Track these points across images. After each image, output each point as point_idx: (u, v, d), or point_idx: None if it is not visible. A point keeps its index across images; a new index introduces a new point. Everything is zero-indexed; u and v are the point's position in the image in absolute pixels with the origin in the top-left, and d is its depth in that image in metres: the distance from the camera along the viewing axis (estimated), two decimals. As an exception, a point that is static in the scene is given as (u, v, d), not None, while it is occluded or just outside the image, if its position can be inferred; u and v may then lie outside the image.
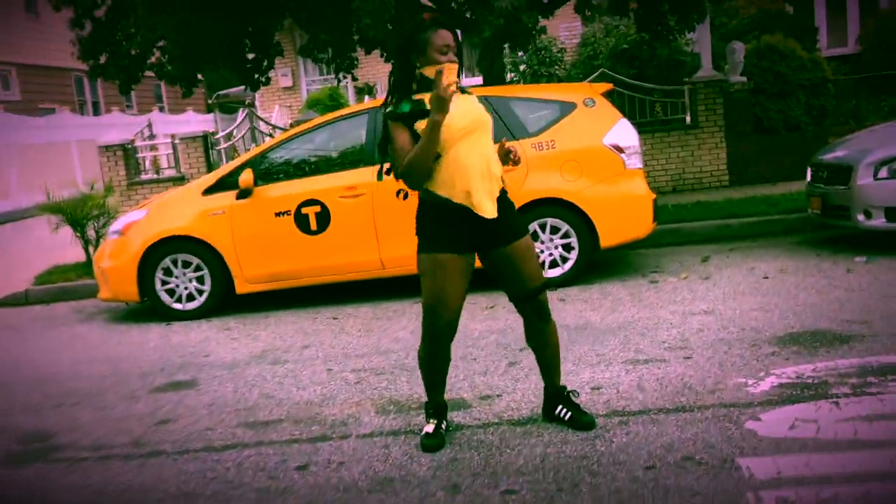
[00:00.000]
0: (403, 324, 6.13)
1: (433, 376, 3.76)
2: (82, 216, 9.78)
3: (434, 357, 3.69)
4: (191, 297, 7.20)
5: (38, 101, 23.32)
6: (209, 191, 7.22)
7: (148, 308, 7.38)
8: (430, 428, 3.74)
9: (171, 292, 7.20)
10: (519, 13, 6.79)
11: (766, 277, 6.47)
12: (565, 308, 6.13)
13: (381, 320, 6.37)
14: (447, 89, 3.30)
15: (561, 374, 3.86)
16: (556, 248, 6.93)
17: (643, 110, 11.87)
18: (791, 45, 11.71)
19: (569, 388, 3.89)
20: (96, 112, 26.23)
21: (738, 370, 4.30)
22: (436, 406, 3.79)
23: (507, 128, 6.96)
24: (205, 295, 7.19)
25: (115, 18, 8.78)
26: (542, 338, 3.77)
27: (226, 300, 7.21)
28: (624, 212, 6.95)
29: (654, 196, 7.16)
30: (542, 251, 6.91)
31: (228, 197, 7.11)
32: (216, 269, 7.13)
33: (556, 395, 3.83)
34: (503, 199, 3.62)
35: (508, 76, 16.74)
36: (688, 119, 11.79)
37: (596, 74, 12.22)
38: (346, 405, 4.40)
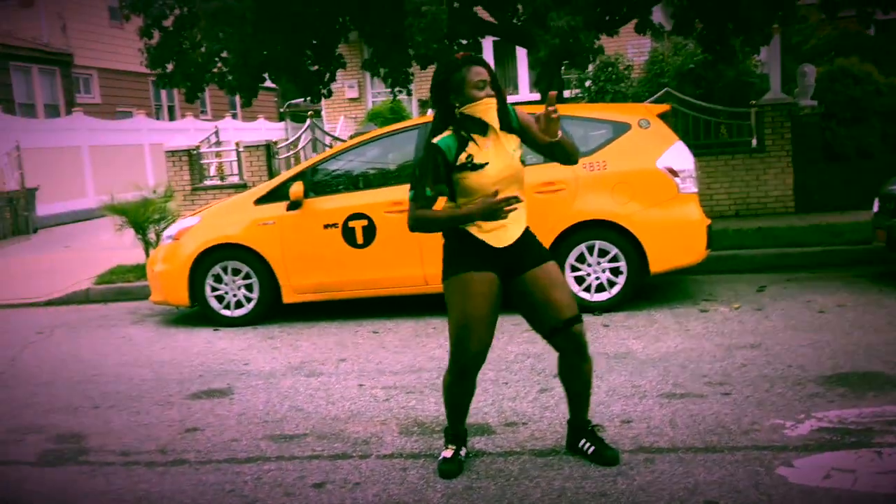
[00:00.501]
0: (441, 342, 6.09)
1: (456, 406, 3.70)
2: (144, 219, 10.05)
3: (459, 387, 3.62)
4: (239, 305, 7.30)
5: (117, 104, 24.16)
6: (261, 200, 7.32)
7: (198, 313, 7.51)
8: (447, 453, 3.68)
9: (220, 299, 7.31)
10: (576, 33, 6.70)
11: (822, 312, 6.21)
12: (608, 334, 6.00)
13: (420, 337, 6.34)
14: (499, 208, 3.32)
15: (590, 407, 3.74)
16: (603, 271, 6.78)
17: (708, 132, 11.60)
18: (867, 68, 11.30)
19: (595, 423, 3.78)
20: (171, 117, 27.01)
21: (778, 410, 4.11)
22: (455, 433, 3.73)
23: (558, 147, 6.86)
24: (253, 303, 7.27)
25: (181, 28, 9.01)
26: (578, 375, 3.63)
27: (273, 309, 7.28)
28: (675, 237, 6.77)
29: (708, 222, 6.96)
30: (588, 274, 6.78)
31: (279, 207, 7.19)
32: (264, 278, 7.21)
33: (580, 427, 3.73)
34: (525, 231, 3.57)
35: (574, 92, 16.62)
36: (754, 142, 11.47)
37: (660, 94, 12.00)
38: (371, 423, 4.38)
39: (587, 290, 6.80)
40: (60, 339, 7.28)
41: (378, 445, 4.04)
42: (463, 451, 3.72)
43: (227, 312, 7.30)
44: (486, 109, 3.42)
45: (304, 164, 7.64)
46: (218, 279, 7.29)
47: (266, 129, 25.61)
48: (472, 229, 3.48)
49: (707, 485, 3.33)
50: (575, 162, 3.70)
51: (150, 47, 9.50)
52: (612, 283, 6.79)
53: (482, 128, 3.46)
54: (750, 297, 6.93)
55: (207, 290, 7.30)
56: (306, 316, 7.32)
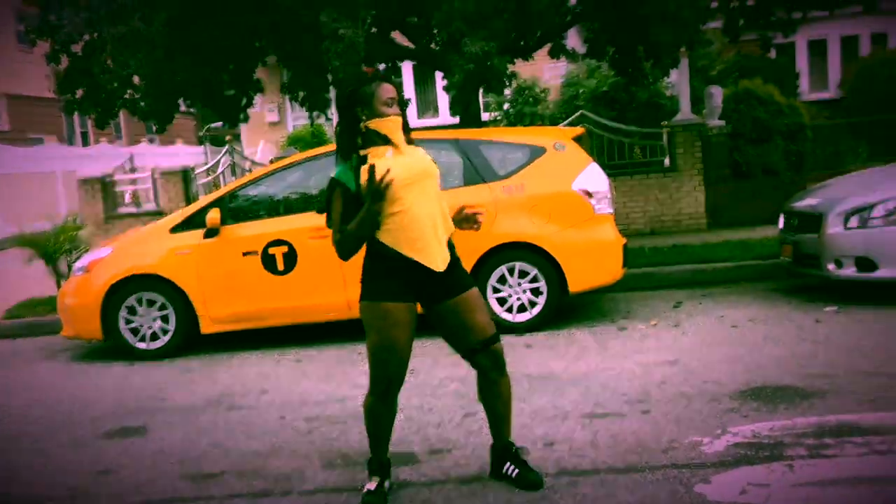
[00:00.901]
0: (365, 368, 5.92)
1: (378, 430, 3.67)
2: (54, 250, 9.68)
3: (381, 410, 3.61)
4: (155, 337, 7.08)
5: (27, 131, 23.30)
6: (177, 229, 7.15)
7: (112, 347, 7.26)
8: (371, 485, 3.63)
9: (135, 331, 7.08)
10: (490, 58, 6.79)
11: (735, 326, 6.40)
12: (530, 355, 6.04)
13: (343, 364, 6.26)
14: (378, 185, 3.28)
15: (510, 429, 3.76)
16: (524, 292, 6.85)
17: (622, 152, 11.90)
18: (769, 89, 11.79)
19: (518, 445, 3.79)
20: (85, 142, 26.21)
21: (695, 427, 4.21)
22: (379, 463, 3.69)
23: (476, 171, 6.94)
24: (169, 334, 7.07)
25: (91, 53, 8.75)
26: (496, 392, 3.68)
27: (191, 340, 7.10)
28: (593, 257, 6.90)
29: (623, 241, 7.11)
30: (510, 295, 6.84)
31: (196, 235, 7.03)
32: (181, 309, 7.03)
33: (504, 450, 3.73)
34: (451, 252, 3.57)
35: (493, 115, 16.83)
36: (667, 162, 11.82)
37: (575, 116, 12.26)
38: (293, 457, 4.29)
39: (509, 310, 6.85)
40: (-37, 379, 6.93)
41: (300, 481, 3.96)
42: (387, 483, 3.67)
43: (142, 345, 7.08)
44: (393, 127, 3.46)
45: (221, 190, 7.50)
46: (132, 311, 7.06)
47: (185, 154, 25.01)
48: (404, 249, 3.45)
49: (629, 505, 3.37)
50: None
51: (58, 73, 9.19)
52: (532, 304, 6.86)
53: (385, 143, 3.47)
54: (666, 314, 7.10)
55: (121, 322, 7.06)
56: (226, 346, 7.15)
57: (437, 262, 3.47)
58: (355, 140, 3.52)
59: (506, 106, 16.52)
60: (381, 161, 3.40)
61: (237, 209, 7.19)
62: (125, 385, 6.22)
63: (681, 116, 11.84)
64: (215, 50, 8.70)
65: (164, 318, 7.07)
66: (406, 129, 3.56)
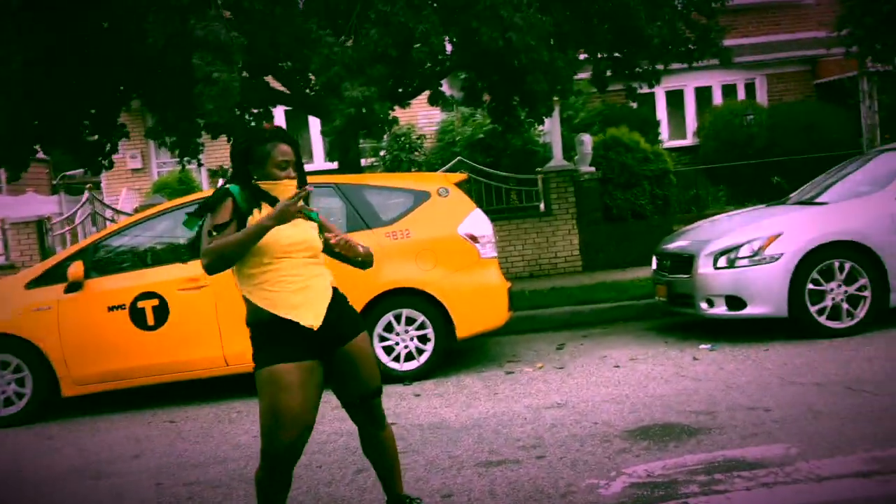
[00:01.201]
0: (246, 427, 5.71)
1: (274, 498, 3.41)
2: None
3: (270, 482, 3.33)
4: (9, 402, 6.50)
5: None
6: (34, 283, 6.63)
7: (-43, 415, 6.59)
8: None
9: (-16, 397, 6.46)
10: (370, 103, 6.74)
11: (618, 366, 6.51)
12: (420, 404, 5.91)
13: (222, 423, 5.92)
14: (294, 207, 3.14)
15: (401, 482, 3.60)
16: (411, 339, 6.74)
17: (499, 198, 12.10)
18: (635, 137, 12.34)
19: (413, 497, 3.64)
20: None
21: (591, 470, 4.18)
22: None
23: (359, 217, 6.83)
24: (25, 399, 6.51)
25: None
26: (378, 446, 3.54)
27: (49, 405, 6.55)
28: (480, 301, 6.88)
29: (509, 285, 7.15)
30: (397, 343, 6.71)
31: (56, 290, 6.54)
32: (39, 370, 6.49)
33: (398, 501, 3.58)
34: (336, 298, 3.40)
35: (369, 161, 16.80)
36: (542, 207, 12.10)
37: (453, 162, 12.40)
38: (174, 528, 3.96)
39: (396, 359, 6.72)
40: None
41: (182, 553, 3.65)
42: None
43: (-7, 412, 6.47)
44: (284, 191, 3.29)
45: (84, 241, 7.04)
46: (-18, 375, 6.46)
47: (38, 204, 23.58)
48: (280, 309, 3.27)
49: (533, 557, 3.28)
50: (369, 266, 3.55)
51: None
52: (420, 351, 6.75)
53: (273, 204, 3.29)
54: (551, 356, 7.15)
55: (-30, 388, 6.43)
56: (90, 410, 6.65)
57: (308, 319, 3.28)
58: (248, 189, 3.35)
59: (382, 152, 16.54)
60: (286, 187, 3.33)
61: (102, 261, 6.76)
62: (-25, 457, 5.63)
63: (554, 163, 12.18)
64: (77, 94, 8.24)
65: (20, 382, 6.50)
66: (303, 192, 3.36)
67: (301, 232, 3.33)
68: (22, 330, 6.46)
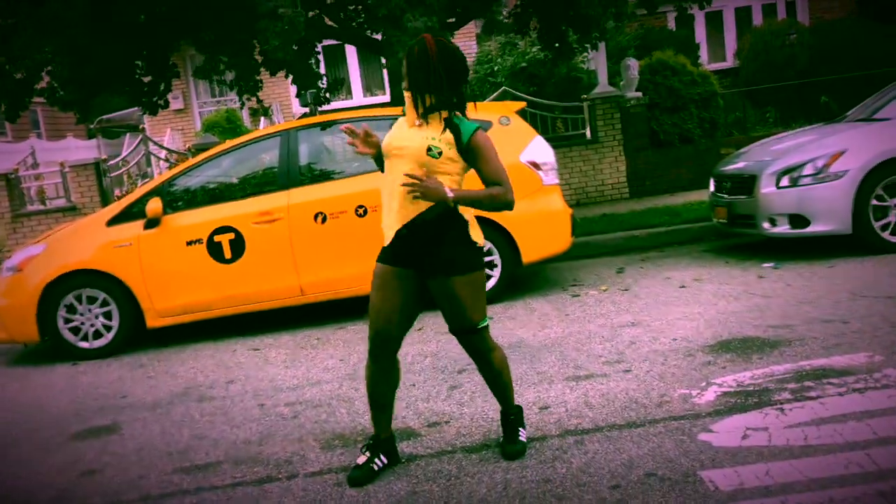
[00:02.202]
0: (330, 352, 5.96)
1: (372, 395, 3.67)
2: (-35, 252, 9.11)
3: (371, 372, 3.63)
4: (98, 335, 6.79)
5: None
6: (114, 221, 6.85)
7: (50, 348, 6.91)
8: (360, 459, 3.64)
9: (75, 330, 6.76)
10: (432, 33, 6.73)
11: (683, 286, 6.64)
12: (494, 326, 6.08)
13: (305, 349, 6.16)
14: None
15: (508, 399, 3.76)
16: (479, 266, 6.89)
17: (545, 126, 12.09)
18: (681, 60, 12.21)
19: (513, 412, 3.77)
20: (-35, 140, 24.58)
21: (680, 381, 4.36)
22: (374, 438, 3.68)
23: (424, 147, 6.91)
24: (113, 331, 6.79)
25: (33, 37, 8.18)
26: (481, 371, 3.73)
27: (137, 336, 6.83)
28: (544, 227, 7.01)
29: (571, 211, 7.26)
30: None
31: (135, 227, 6.76)
32: (124, 304, 6.75)
33: (501, 415, 3.79)
34: (427, 227, 3.46)
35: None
36: (588, 134, 12.09)
37: (498, 92, 12.38)
38: (287, 442, 4.21)
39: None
40: None
41: (302, 464, 3.90)
42: (380, 460, 3.65)
43: (85, 344, 6.77)
44: (407, 101, 3.53)
45: (158, 179, 7.21)
46: (71, 309, 6.74)
47: (77, 148, 23.86)
48: (383, 203, 3.58)
49: (640, 458, 3.47)
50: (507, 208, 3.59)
51: (-41, 63, 8.59)
52: (488, 277, 6.91)
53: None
54: (613, 279, 7.30)
55: (60, 322, 6.73)
56: (175, 340, 6.93)
57: (390, 232, 3.52)
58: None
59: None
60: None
61: (177, 198, 6.95)
62: (76, 385, 5.94)
63: (599, 89, 12.12)
64: (132, 35, 8.31)
65: (107, 315, 6.78)
66: (418, 104, 3.46)
67: (408, 139, 3.49)
68: (106, 266, 6.70)
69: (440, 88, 3.41)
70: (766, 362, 4.49)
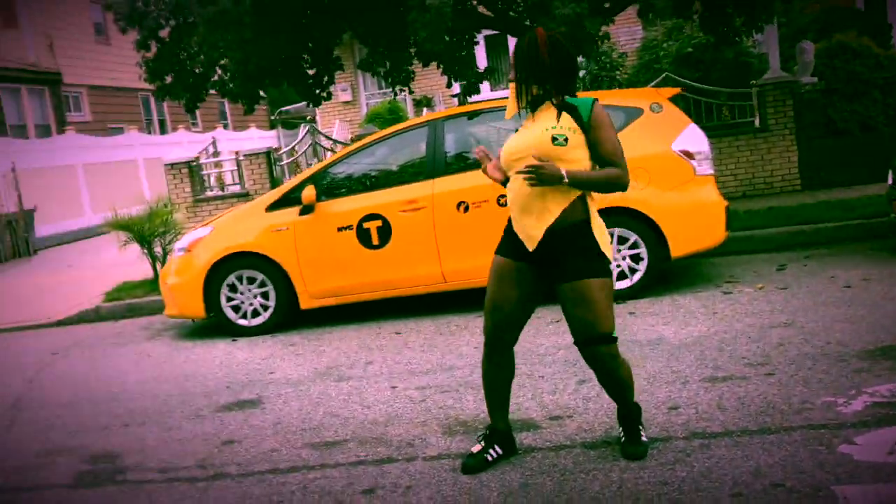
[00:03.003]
0: (466, 339, 6.00)
1: (488, 387, 3.67)
2: (149, 233, 9.94)
3: (486, 364, 3.63)
4: (256, 313, 7.20)
5: (108, 121, 23.99)
6: (273, 207, 7.22)
7: (214, 324, 7.41)
8: (475, 448, 3.64)
9: (236, 308, 7.21)
10: (582, 20, 6.62)
11: (849, 286, 6.14)
12: (636, 322, 5.92)
13: (443, 335, 6.25)
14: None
15: (626, 402, 3.61)
16: (623, 259, 6.71)
17: (710, 114, 11.54)
18: (865, 42, 11.25)
19: (632, 410, 3.63)
20: (163, 130, 26.86)
21: (826, 388, 4.04)
22: (491, 429, 3.67)
23: (570, 136, 6.79)
24: (269, 311, 7.18)
25: (178, 38, 8.89)
26: (601, 381, 3.60)
27: (291, 316, 7.19)
28: (695, 220, 6.70)
29: (726, 203, 6.89)
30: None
31: (292, 213, 7.10)
32: (280, 285, 7.12)
33: (619, 416, 3.66)
34: (571, 229, 3.39)
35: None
36: (757, 122, 11.42)
37: (660, 78, 11.94)
38: (411, 425, 4.29)
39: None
40: (77, 358, 7.17)
41: (423, 447, 3.96)
42: (495, 451, 3.63)
43: (244, 322, 7.20)
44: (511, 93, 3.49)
45: (314, 168, 7.54)
46: (233, 289, 7.19)
47: (258, 138, 25.49)
48: (513, 215, 3.45)
49: (769, 467, 3.26)
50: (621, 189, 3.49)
51: (147, 60, 9.38)
52: (633, 271, 6.71)
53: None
54: (772, 277, 6.87)
55: (223, 300, 7.20)
56: (325, 321, 7.23)
57: (525, 239, 3.44)
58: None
59: (582, 73, 16.23)
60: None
61: (330, 186, 7.22)
62: (232, 360, 6.34)
63: (770, 74, 11.41)
64: (300, 28, 8.72)
65: (265, 295, 7.18)
66: (523, 94, 3.41)
67: (523, 141, 3.41)
68: (264, 249, 7.09)
69: (546, 79, 3.35)
70: (929, 372, 4.07)
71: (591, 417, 4.06)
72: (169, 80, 9.41)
